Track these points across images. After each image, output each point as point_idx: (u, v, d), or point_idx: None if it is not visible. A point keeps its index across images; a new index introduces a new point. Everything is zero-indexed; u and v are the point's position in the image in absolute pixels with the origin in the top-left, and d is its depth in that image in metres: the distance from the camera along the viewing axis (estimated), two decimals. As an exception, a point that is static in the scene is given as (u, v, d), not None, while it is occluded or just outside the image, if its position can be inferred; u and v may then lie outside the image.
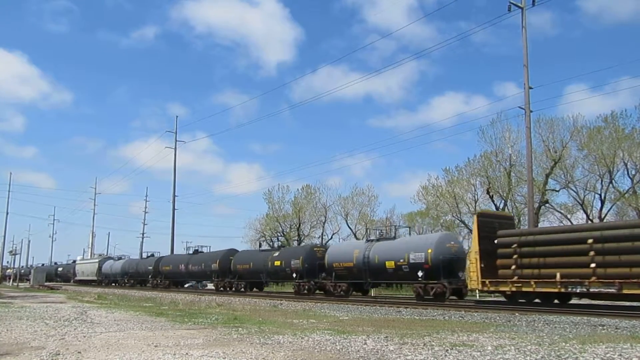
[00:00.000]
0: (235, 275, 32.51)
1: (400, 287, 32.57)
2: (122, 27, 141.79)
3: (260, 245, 39.41)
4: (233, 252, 34.69)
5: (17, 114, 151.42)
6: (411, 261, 21.32)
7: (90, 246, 73.13)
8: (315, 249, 28.27)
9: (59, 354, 6.80)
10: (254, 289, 32.64)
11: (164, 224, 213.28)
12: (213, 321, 11.59)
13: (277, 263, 28.80)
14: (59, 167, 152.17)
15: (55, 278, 71.01)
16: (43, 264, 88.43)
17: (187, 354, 6.76)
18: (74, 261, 69.77)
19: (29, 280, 55.32)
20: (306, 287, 26.40)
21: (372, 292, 27.91)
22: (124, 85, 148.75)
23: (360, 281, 24.37)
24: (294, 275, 27.21)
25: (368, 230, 30.07)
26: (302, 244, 34.44)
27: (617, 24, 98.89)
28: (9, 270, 68.66)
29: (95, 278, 54.58)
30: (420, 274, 20.74)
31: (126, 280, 47.96)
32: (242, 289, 31.56)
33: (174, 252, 45.73)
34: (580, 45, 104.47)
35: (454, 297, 21.24)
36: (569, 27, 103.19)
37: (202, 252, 38.23)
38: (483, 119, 56.70)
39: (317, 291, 26.56)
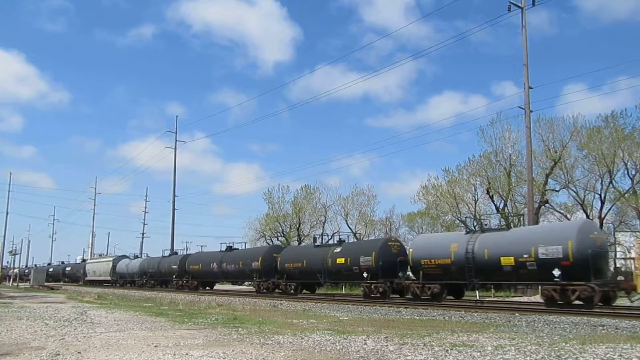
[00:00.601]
0: (283, 275, 28.42)
1: (512, 289, 28.07)
2: (119, 26, 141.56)
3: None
4: (277, 248, 31.72)
5: (15, 113, 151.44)
6: (541, 256, 17.26)
7: (90, 246, 73.15)
8: (390, 243, 24.49)
9: (59, 354, 6.80)
10: (304, 291, 28.64)
11: (163, 224, 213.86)
12: (213, 321, 11.59)
13: (340, 260, 24.91)
14: (57, 167, 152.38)
15: (62, 278, 69.45)
16: (49, 263, 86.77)
17: (187, 354, 6.76)
18: (84, 260, 67.35)
19: (29, 280, 55.19)
20: (380, 288, 22.42)
21: (478, 295, 22.87)
22: (122, 84, 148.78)
23: (459, 282, 20.14)
24: (365, 275, 23.33)
25: (474, 220, 24.97)
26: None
27: (615, 22, 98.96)
28: (12, 270, 68.10)
29: (108, 278, 51.03)
30: (556, 272, 16.74)
31: (145, 281, 43.75)
32: (292, 291, 27.63)
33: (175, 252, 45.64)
34: (578, 44, 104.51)
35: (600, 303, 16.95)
36: (566, 26, 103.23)
37: (237, 249, 34.73)
38: (482, 118, 56.52)
39: (393, 294, 22.96)
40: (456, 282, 20.14)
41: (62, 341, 8.19)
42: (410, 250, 22.13)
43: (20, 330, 9.84)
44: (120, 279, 49.33)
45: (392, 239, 26.21)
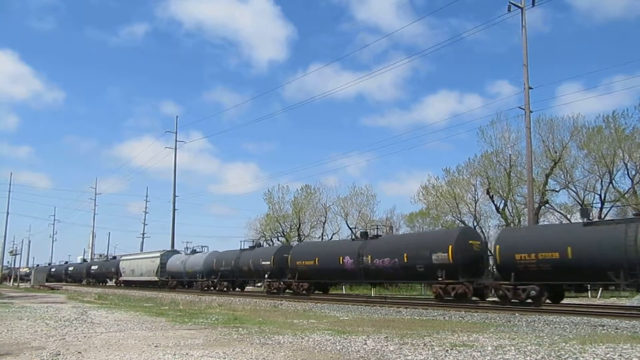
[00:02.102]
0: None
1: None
2: (109, 25, 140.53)
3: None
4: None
5: (10, 112, 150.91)
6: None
7: (90, 246, 73.15)
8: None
9: (59, 354, 6.81)
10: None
11: (161, 224, 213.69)
12: (213, 321, 11.60)
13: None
14: (54, 167, 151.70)
15: (65, 278, 65.67)
16: (49, 264, 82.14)
17: (187, 354, 6.77)
18: (115, 257, 58.88)
19: (29, 280, 55.09)
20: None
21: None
22: (115, 83, 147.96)
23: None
24: (439, 273, 19.15)
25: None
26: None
27: (609, 20, 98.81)
28: (23, 269, 66.92)
29: (154, 278, 41.36)
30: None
31: (213, 282, 33.44)
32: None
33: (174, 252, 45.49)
34: (573, 43, 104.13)
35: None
36: (560, 25, 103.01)
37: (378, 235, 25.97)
38: (479, 119, 56.59)
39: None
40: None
41: (62, 341, 8.20)
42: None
43: (20, 330, 9.85)
44: (172, 279, 39.35)
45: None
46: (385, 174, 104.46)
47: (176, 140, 50.11)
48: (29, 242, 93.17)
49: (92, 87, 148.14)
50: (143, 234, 68.19)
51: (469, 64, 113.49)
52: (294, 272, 26.75)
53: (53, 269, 73.04)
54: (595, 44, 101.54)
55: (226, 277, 32.84)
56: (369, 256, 22.34)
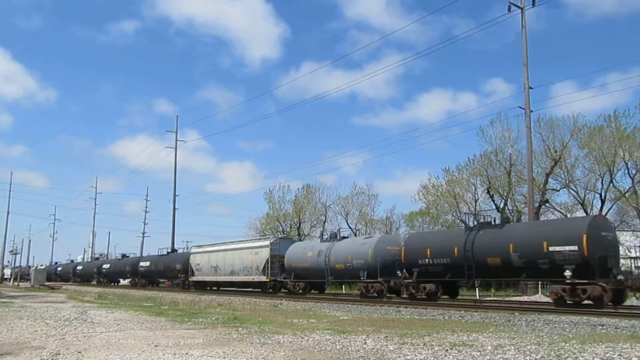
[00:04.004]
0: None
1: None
2: (97, 22, 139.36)
3: None
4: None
5: (3, 111, 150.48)
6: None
7: (90, 246, 73.20)
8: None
9: (59, 354, 6.81)
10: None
11: (159, 223, 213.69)
12: (213, 321, 11.61)
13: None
14: (49, 166, 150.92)
15: (73, 278, 60.49)
16: (72, 260, 74.01)
17: (187, 353, 6.77)
18: (126, 255, 52.71)
19: (29, 279, 55.05)
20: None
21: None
22: (108, 82, 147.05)
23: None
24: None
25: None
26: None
27: (601, 17, 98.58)
28: (40, 266, 65.76)
29: (262, 278, 28.76)
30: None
31: (412, 284, 20.52)
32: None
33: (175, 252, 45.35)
34: (565, 41, 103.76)
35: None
36: (553, 22, 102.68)
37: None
38: (476, 118, 56.43)
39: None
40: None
41: (62, 341, 8.20)
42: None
43: (20, 330, 9.85)
44: (297, 280, 26.75)
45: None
46: (381, 173, 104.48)
47: (176, 140, 49.99)
48: (29, 241, 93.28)
49: (84, 86, 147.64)
50: (143, 234, 68.17)
51: (462, 62, 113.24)
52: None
53: (59, 268, 70.26)
54: (587, 42, 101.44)
55: (436, 275, 19.96)
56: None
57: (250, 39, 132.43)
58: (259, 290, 29.89)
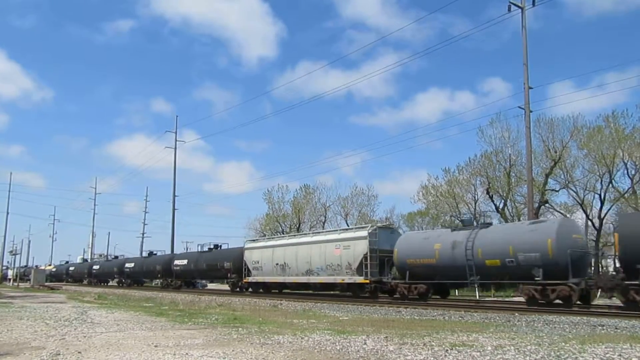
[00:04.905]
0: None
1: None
2: (91, 21, 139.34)
3: None
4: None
5: (0, 111, 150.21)
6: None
7: (90, 246, 73.14)
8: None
9: (59, 354, 6.81)
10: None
11: (158, 224, 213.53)
12: (213, 321, 11.61)
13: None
14: (46, 166, 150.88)
15: (88, 278, 55.92)
16: (85, 259, 69.88)
17: (187, 354, 6.77)
18: (153, 252, 45.35)
19: (29, 280, 55.02)
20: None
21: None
22: (105, 81, 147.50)
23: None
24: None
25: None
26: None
27: (599, 16, 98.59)
28: (48, 265, 64.26)
29: (358, 279, 22.13)
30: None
31: None
32: None
33: (172, 251, 45.33)
34: (563, 40, 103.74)
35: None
36: (550, 21, 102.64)
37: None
38: (475, 119, 56.54)
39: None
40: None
41: (62, 341, 8.20)
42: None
43: (20, 330, 9.85)
44: (417, 283, 20.00)
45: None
46: (379, 173, 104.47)
47: (176, 140, 49.92)
48: (29, 241, 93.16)
49: (81, 86, 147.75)
50: (143, 234, 68.02)
51: (459, 60, 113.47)
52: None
53: (72, 268, 65.89)
54: (585, 41, 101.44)
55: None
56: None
57: (247, 39, 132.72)
58: (349, 294, 23.63)
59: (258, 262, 28.57)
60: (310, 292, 26.67)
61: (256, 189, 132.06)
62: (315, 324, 11.21)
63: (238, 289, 31.18)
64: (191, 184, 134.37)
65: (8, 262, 67.56)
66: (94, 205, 72.67)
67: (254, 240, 32.62)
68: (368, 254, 21.95)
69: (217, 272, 33.86)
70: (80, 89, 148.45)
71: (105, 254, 74.68)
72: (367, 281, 21.76)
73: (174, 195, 48.45)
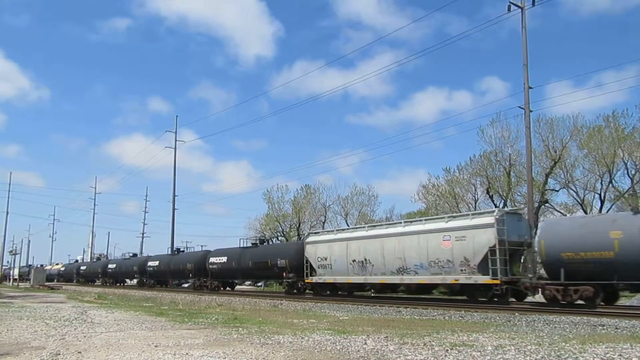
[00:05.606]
0: None
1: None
2: (86, 20, 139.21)
3: None
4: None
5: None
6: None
7: (90, 246, 73.10)
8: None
9: (59, 354, 6.81)
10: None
11: (157, 223, 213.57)
12: (213, 321, 11.60)
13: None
14: (44, 166, 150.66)
15: (102, 278, 52.53)
16: (98, 258, 66.17)
17: (187, 354, 6.76)
18: (180, 250, 41.40)
19: (29, 279, 54.90)
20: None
21: None
22: (102, 80, 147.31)
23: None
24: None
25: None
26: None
27: (595, 14, 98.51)
28: (56, 266, 62.18)
29: (479, 279, 17.78)
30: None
31: None
32: None
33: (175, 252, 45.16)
34: (560, 39, 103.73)
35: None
36: (548, 20, 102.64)
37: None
38: (474, 119, 56.56)
39: None
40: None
41: (62, 341, 8.19)
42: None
43: (20, 330, 9.85)
44: (578, 284, 15.31)
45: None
46: (377, 172, 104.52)
47: (176, 141, 49.81)
48: (29, 241, 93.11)
49: (78, 85, 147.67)
50: (143, 234, 68.13)
51: (456, 59, 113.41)
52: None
53: (83, 267, 62.01)
54: (582, 40, 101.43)
55: None
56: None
57: (244, 38, 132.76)
58: (463, 297, 19.19)
59: (326, 259, 23.90)
60: (402, 294, 22.12)
61: (256, 189, 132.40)
62: (315, 323, 11.21)
63: (295, 291, 26.62)
64: (191, 183, 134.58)
65: (8, 261, 67.59)
66: (94, 205, 72.62)
67: (316, 233, 27.54)
68: (497, 246, 17.28)
69: (268, 272, 28.76)
70: (77, 88, 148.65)
71: (105, 253, 74.65)
72: (497, 281, 17.10)
73: (174, 195, 48.36)
